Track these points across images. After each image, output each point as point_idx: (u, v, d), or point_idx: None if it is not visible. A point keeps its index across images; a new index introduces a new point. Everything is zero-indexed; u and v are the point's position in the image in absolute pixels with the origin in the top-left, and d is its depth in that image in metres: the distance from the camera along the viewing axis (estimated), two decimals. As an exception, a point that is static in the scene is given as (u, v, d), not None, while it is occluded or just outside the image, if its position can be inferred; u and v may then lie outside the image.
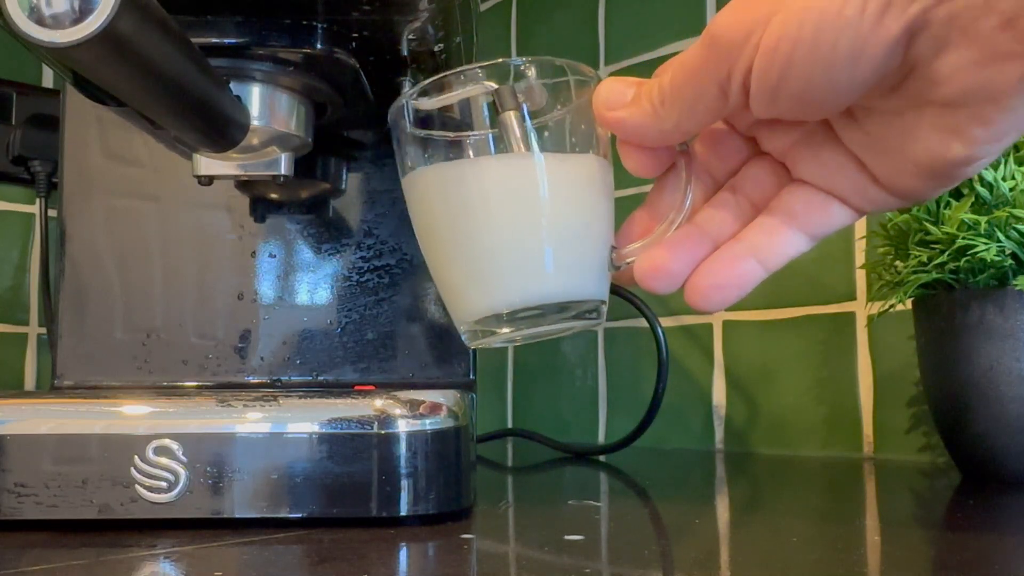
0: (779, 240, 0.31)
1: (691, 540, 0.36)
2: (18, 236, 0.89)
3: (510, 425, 0.97)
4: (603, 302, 0.34)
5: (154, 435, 0.35)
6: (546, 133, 0.32)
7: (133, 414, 0.37)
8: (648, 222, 0.33)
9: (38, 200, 0.83)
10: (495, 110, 0.32)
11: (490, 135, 0.32)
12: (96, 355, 0.53)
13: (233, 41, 0.41)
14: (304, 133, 0.46)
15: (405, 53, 0.45)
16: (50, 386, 0.53)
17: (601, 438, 0.88)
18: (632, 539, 0.35)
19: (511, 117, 0.32)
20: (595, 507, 0.44)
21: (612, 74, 0.90)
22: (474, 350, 0.55)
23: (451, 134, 0.33)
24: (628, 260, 0.33)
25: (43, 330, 0.89)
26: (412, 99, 0.33)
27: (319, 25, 0.42)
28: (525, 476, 0.62)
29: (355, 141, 0.56)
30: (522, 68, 0.33)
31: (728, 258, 0.31)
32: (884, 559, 0.31)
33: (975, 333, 0.48)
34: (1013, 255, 0.47)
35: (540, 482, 0.59)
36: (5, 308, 0.88)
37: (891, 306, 0.54)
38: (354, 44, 0.43)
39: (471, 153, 0.33)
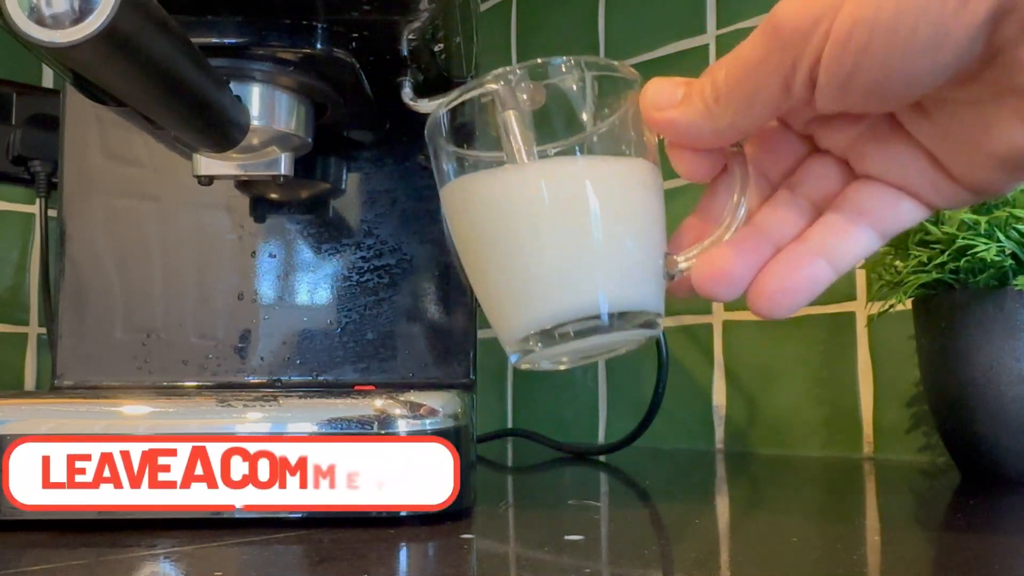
0: (848, 239, 0.29)
1: (691, 540, 0.36)
2: (18, 236, 0.89)
3: (510, 425, 0.97)
4: (659, 314, 0.32)
5: (154, 435, 0.36)
6: (594, 139, 0.31)
7: (133, 414, 0.37)
8: (702, 229, 0.32)
9: (38, 200, 0.83)
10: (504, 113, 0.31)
11: (533, 149, 0.31)
12: (96, 355, 0.53)
13: (233, 41, 0.41)
14: (304, 133, 0.46)
15: (405, 53, 0.45)
16: (50, 386, 0.53)
17: (601, 438, 0.88)
18: (632, 539, 0.35)
19: (511, 117, 0.31)
20: (595, 507, 0.44)
21: (612, 74, 0.90)
22: (475, 351, 0.55)
23: (487, 154, 0.31)
24: (684, 266, 0.31)
25: (43, 330, 0.89)
26: (446, 109, 0.32)
27: (319, 25, 0.42)
28: (525, 476, 0.62)
29: (355, 141, 0.56)
30: (562, 68, 0.31)
31: (795, 259, 0.29)
32: (884, 559, 0.31)
33: (975, 333, 0.48)
34: (1013, 255, 0.47)
35: (540, 482, 0.59)
36: (5, 308, 0.88)
37: (891, 306, 0.54)
38: (354, 44, 0.43)
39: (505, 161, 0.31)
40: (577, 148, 0.30)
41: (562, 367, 0.33)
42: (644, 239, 0.31)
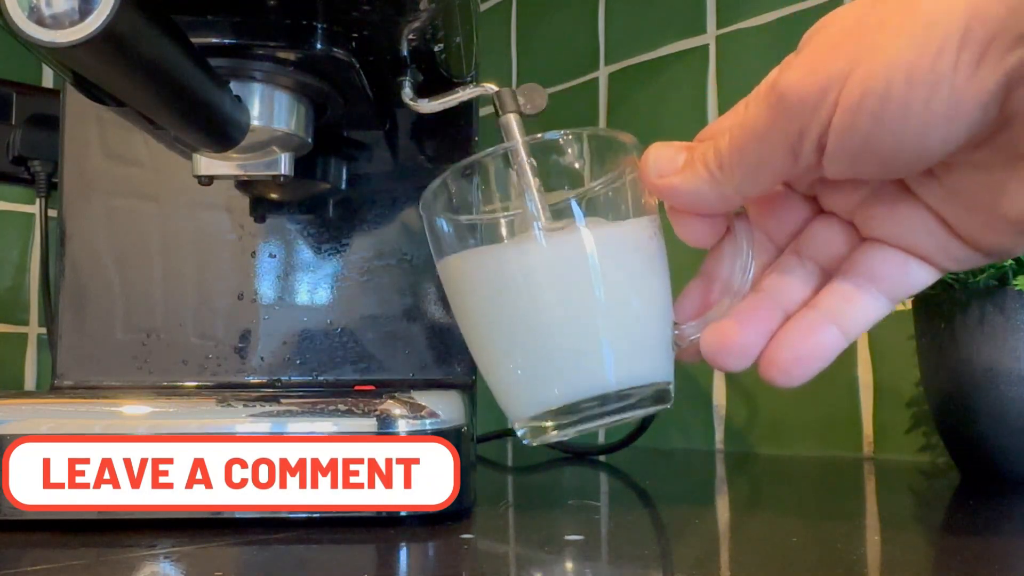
0: (859, 305, 0.29)
1: (691, 540, 0.36)
2: (18, 236, 0.89)
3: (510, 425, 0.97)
4: (669, 383, 0.31)
5: (154, 435, 0.35)
6: (594, 206, 0.30)
7: (133, 414, 0.37)
8: (706, 294, 0.31)
9: (38, 200, 0.83)
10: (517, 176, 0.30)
11: (532, 204, 0.30)
12: (96, 355, 0.53)
13: (233, 41, 0.41)
14: (304, 133, 0.46)
15: (405, 53, 0.45)
16: (50, 386, 0.53)
17: (601, 438, 0.88)
18: (632, 539, 0.35)
19: (511, 120, 0.31)
20: (595, 507, 0.44)
21: (612, 74, 0.90)
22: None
23: (485, 216, 0.31)
24: (692, 337, 0.30)
25: (43, 330, 0.89)
26: (441, 184, 0.31)
27: (319, 25, 0.42)
28: (525, 476, 0.62)
29: (355, 141, 0.56)
30: (561, 143, 0.31)
31: (806, 328, 0.29)
32: (884, 559, 0.31)
33: (975, 333, 0.48)
34: (1013, 255, 0.47)
35: (540, 482, 0.59)
36: (5, 308, 0.88)
37: (891, 306, 0.54)
38: (354, 44, 0.43)
39: (504, 232, 0.30)
40: (577, 216, 0.30)
41: (568, 437, 0.32)
42: (651, 310, 0.30)
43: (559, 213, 0.30)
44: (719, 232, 0.31)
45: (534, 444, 0.32)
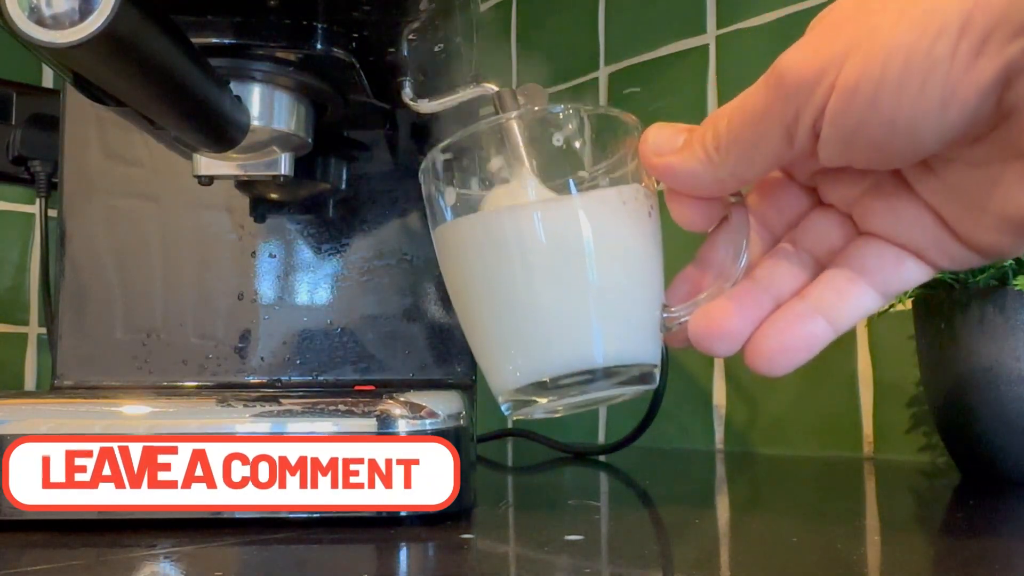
0: (849, 298, 0.29)
1: (691, 540, 0.36)
2: (18, 236, 0.89)
3: (510, 425, 0.97)
4: (655, 365, 0.31)
5: (154, 435, 0.36)
6: (594, 184, 0.30)
7: (133, 414, 0.37)
8: (700, 279, 0.31)
9: (38, 200, 0.83)
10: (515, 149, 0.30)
11: (530, 182, 0.30)
12: (96, 355, 0.53)
13: (233, 41, 0.41)
14: (304, 133, 0.46)
15: (405, 53, 0.45)
16: (50, 386, 0.53)
17: (601, 438, 0.88)
18: (632, 539, 0.35)
19: (513, 127, 0.31)
20: (595, 507, 0.44)
21: (612, 74, 0.90)
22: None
23: (480, 192, 0.31)
24: (681, 320, 0.30)
25: (43, 330, 0.89)
26: (440, 152, 0.31)
27: (319, 25, 0.42)
28: (525, 476, 0.62)
29: (355, 141, 0.56)
30: (560, 116, 0.31)
31: (794, 317, 0.29)
32: (884, 559, 0.31)
33: (975, 333, 0.48)
34: (1013, 255, 0.47)
35: (540, 482, 0.59)
36: (5, 308, 0.88)
37: (891, 306, 0.54)
38: (354, 44, 0.43)
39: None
40: (573, 190, 0.30)
41: (557, 415, 0.31)
42: (642, 286, 0.30)
43: (558, 191, 0.30)
44: (715, 217, 0.30)
45: (514, 417, 0.32)
